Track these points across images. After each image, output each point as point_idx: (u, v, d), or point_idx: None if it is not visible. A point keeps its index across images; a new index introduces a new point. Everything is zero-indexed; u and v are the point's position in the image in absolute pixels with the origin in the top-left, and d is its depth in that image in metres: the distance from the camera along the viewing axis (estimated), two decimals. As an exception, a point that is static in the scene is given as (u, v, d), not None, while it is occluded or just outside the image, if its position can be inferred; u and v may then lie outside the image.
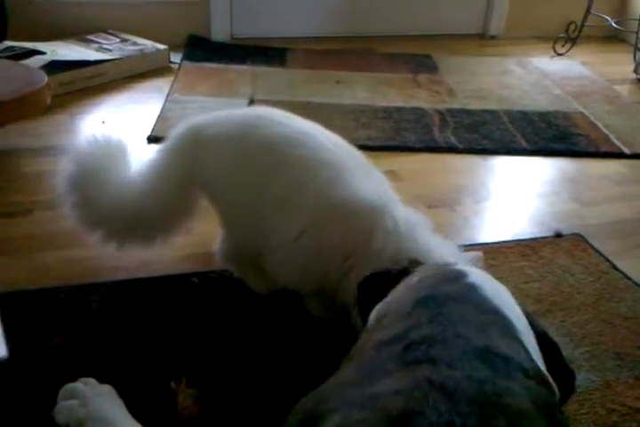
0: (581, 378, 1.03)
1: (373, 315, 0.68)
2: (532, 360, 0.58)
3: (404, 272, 0.74)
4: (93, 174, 1.11)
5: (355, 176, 1.03)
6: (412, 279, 0.69)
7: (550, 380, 0.60)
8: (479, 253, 1.08)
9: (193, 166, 1.09)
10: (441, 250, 0.97)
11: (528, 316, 0.70)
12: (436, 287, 0.63)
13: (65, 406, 0.80)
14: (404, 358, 0.53)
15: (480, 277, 0.67)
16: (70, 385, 0.84)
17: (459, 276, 0.66)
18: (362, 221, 1.00)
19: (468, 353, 0.54)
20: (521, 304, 0.70)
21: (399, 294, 0.67)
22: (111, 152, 1.14)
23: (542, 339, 0.68)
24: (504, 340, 0.57)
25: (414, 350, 0.54)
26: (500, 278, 1.22)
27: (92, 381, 0.86)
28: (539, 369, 0.58)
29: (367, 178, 1.05)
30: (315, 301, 1.12)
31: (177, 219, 1.16)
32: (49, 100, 1.62)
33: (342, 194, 1.01)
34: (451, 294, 0.62)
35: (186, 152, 1.10)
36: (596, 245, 1.39)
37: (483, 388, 0.50)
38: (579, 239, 1.41)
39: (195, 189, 1.14)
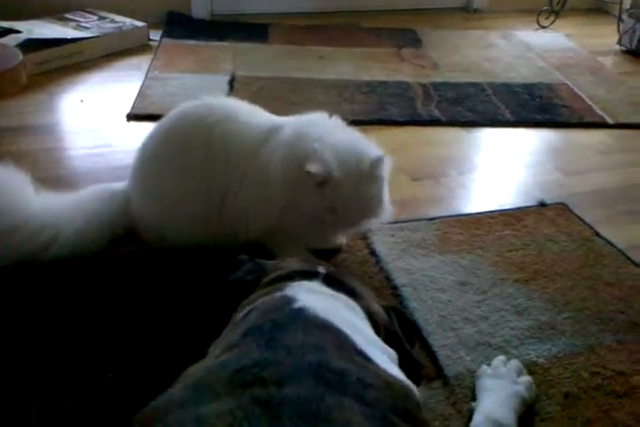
0: (565, 343, 1.04)
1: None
2: (373, 369, 0.60)
3: (256, 281, 0.76)
4: None
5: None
6: (238, 315, 0.69)
7: (401, 381, 0.62)
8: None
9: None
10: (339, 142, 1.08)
11: (387, 310, 0.75)
12: (261, 318, 0.64)
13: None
14: (234, 381, 0.54)
15: (308, 299, 0.67)
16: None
17: (285, 303, 0.66)
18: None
19: (300, 371, 0.55)
20: (373, 306, 0.73)
21: (226, 330, 0.68)
22: None
23: (402, 319, 0.76)
24: (341, 354, 0.59)
25: (245, 374, 0.55)
26: (484, 248, 1.26)
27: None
28: (383, 375, 0.60)
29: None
30: (281, 240, 1.18)
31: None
32: (25, 79, 1.59)
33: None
34: (277, 321, 0.63)
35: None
36: (580, 214, 1.39)
37: (309, 404, 0.51)
38: (563, 208, 1.41)
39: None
